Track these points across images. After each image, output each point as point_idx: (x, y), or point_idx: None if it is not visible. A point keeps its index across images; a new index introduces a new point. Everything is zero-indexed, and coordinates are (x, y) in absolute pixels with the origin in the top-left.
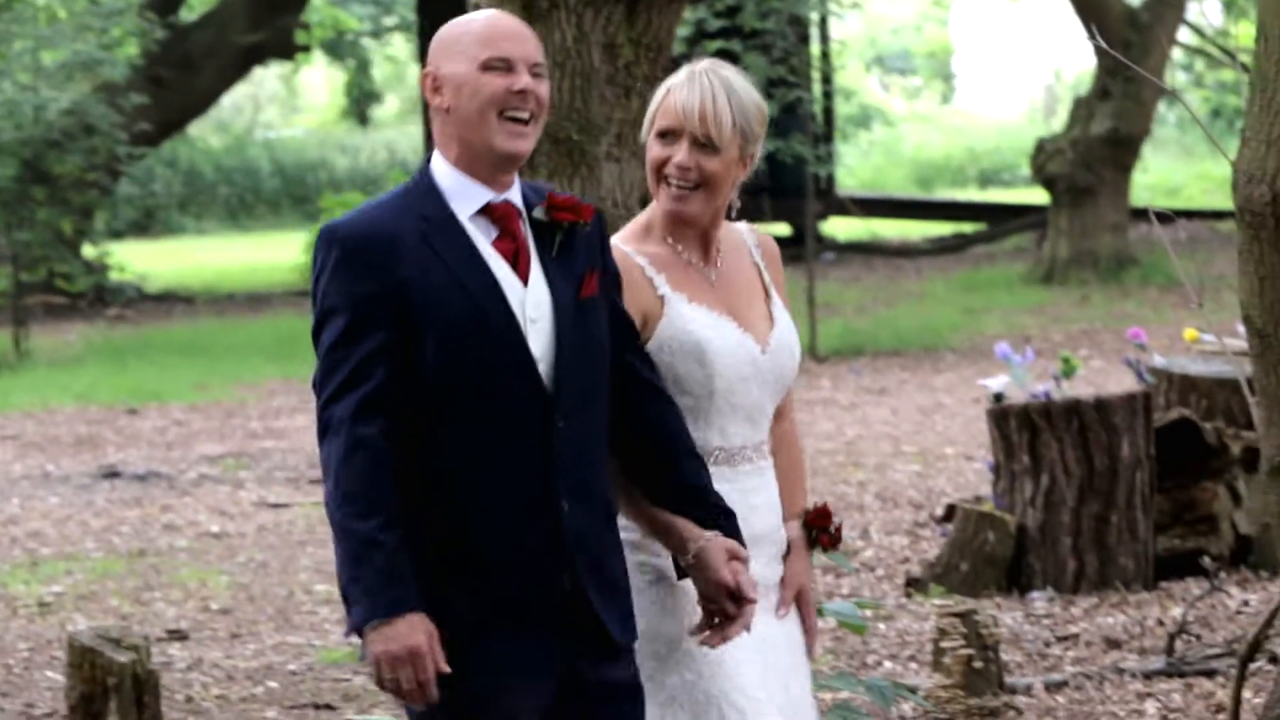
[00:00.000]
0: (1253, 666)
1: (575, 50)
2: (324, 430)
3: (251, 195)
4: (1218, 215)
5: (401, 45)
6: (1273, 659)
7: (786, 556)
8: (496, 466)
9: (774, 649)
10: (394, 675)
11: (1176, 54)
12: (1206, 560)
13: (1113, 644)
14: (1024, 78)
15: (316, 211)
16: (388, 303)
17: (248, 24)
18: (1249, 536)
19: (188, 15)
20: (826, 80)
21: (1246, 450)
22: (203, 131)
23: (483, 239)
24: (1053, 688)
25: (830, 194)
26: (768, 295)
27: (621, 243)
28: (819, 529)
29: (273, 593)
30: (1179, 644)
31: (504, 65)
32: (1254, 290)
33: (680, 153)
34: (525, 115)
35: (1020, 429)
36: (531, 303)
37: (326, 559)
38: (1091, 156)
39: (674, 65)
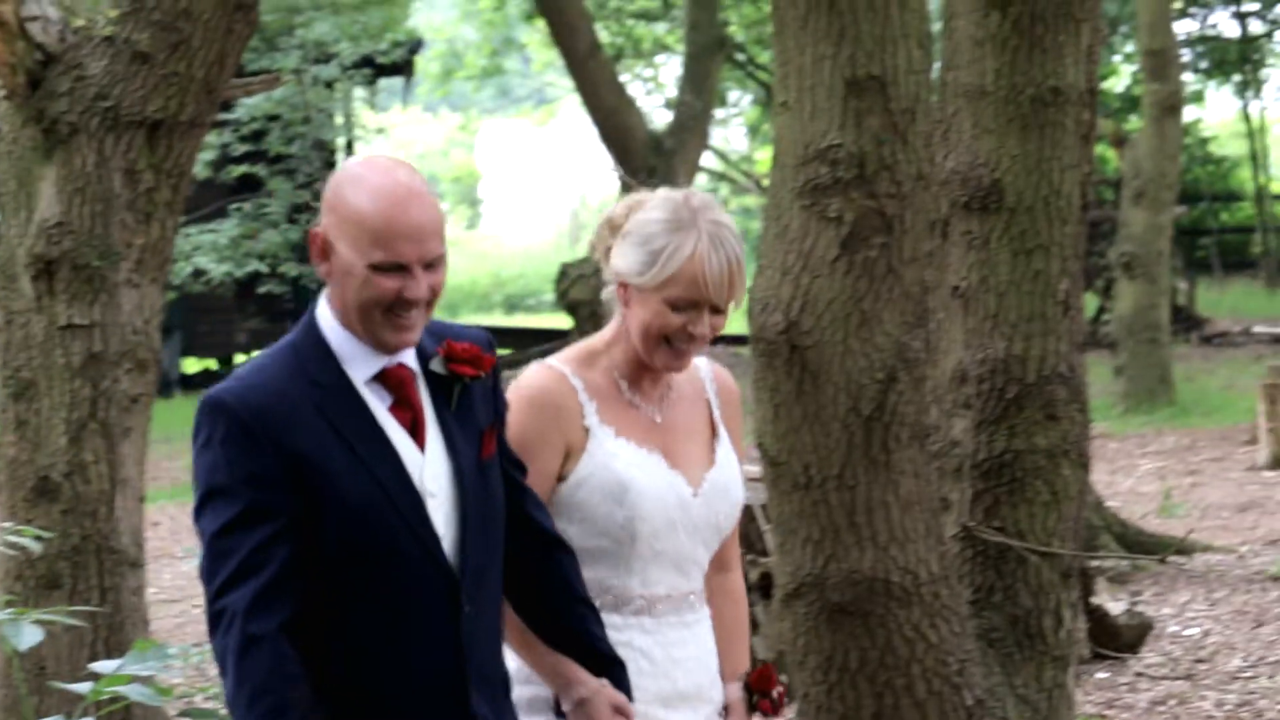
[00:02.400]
0: None
1: (96, 175)
2: (215, 625)
3: None
4: (741, 340)
5: None
6: None
7: (725, 718)
8: (404, 656)
9: None
10: None
11: (701, 179)
12: None
13: None
14: (550, 203)
15: None
16: (283, 482)
17: None
18: (766, 661)
19: None
20: None
21: (763, 577)
22: None
23: (379, 405)
24: None
25: None
26: (714, 434)
27: (561, 363)
28: (759, 693)
29: None
30: None
31: (396, 269)
32: (768, 417)
33: (700, 324)
34: (412, 317)
35: None
36: (430, 474)
37: None
38: None
39: (203, 191)
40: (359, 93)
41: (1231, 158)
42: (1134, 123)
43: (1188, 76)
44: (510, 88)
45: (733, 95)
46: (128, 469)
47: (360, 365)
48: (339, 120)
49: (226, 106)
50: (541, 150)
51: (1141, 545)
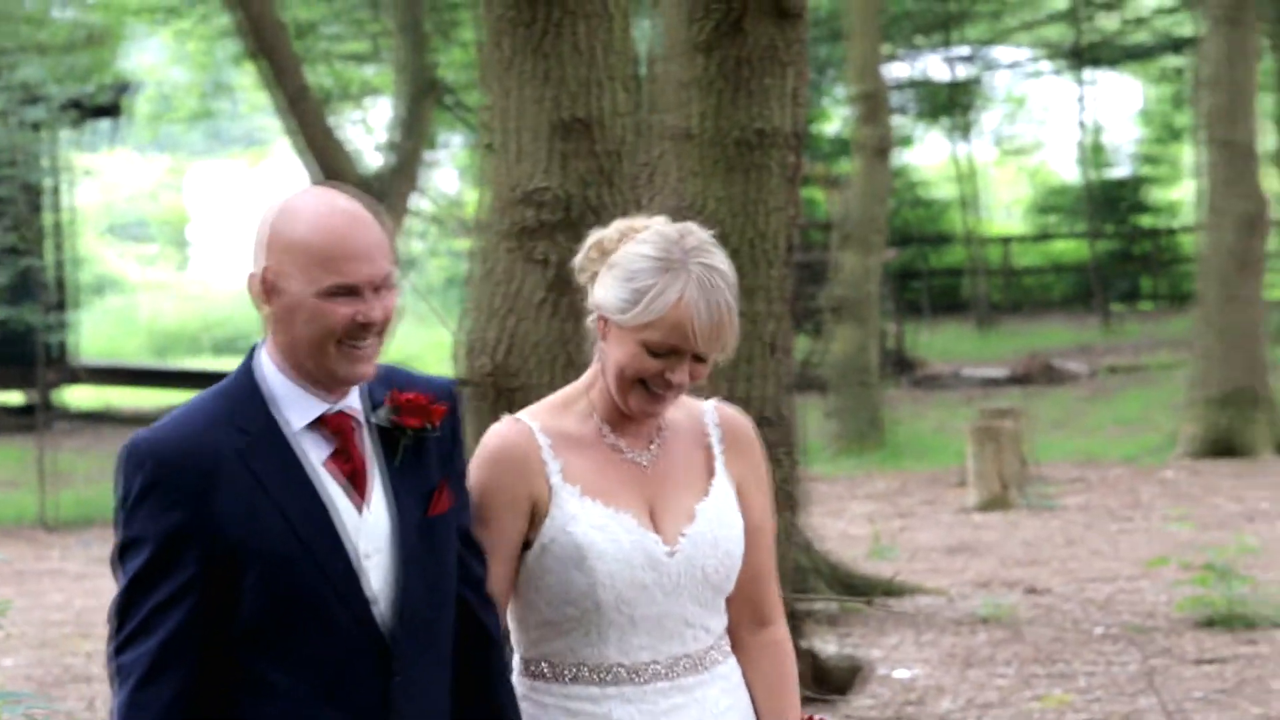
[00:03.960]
0: None
1: None
2: (112, 681)
3: None
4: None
5: None
6: None
7: None
8: None
9: None
10: None
11: (414, 222)
12: None
13: None
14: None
15: None
16: (197, 537)
17: None
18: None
19: None
20: (60, 248)
21: None
22: None
23: (314, 457)
24: None
25: (64, 363)
26: (710, 481)
27: (530, 417)
28: None
29: None
30: None
31: (347, 292)
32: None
33: (679, 372)
34: (368, 342)
35: None
36: (367, 534)
37: None
38: None
39: None
40: (67, 134)
41: (942, 200)
42: (845, 166)
43: (898, 120)
44: (221, 130)
45: (443, 138)
46: None
47: (297, 411)
48: (45, 163)
49: None
50: (253, 192)
51: (851, 587)
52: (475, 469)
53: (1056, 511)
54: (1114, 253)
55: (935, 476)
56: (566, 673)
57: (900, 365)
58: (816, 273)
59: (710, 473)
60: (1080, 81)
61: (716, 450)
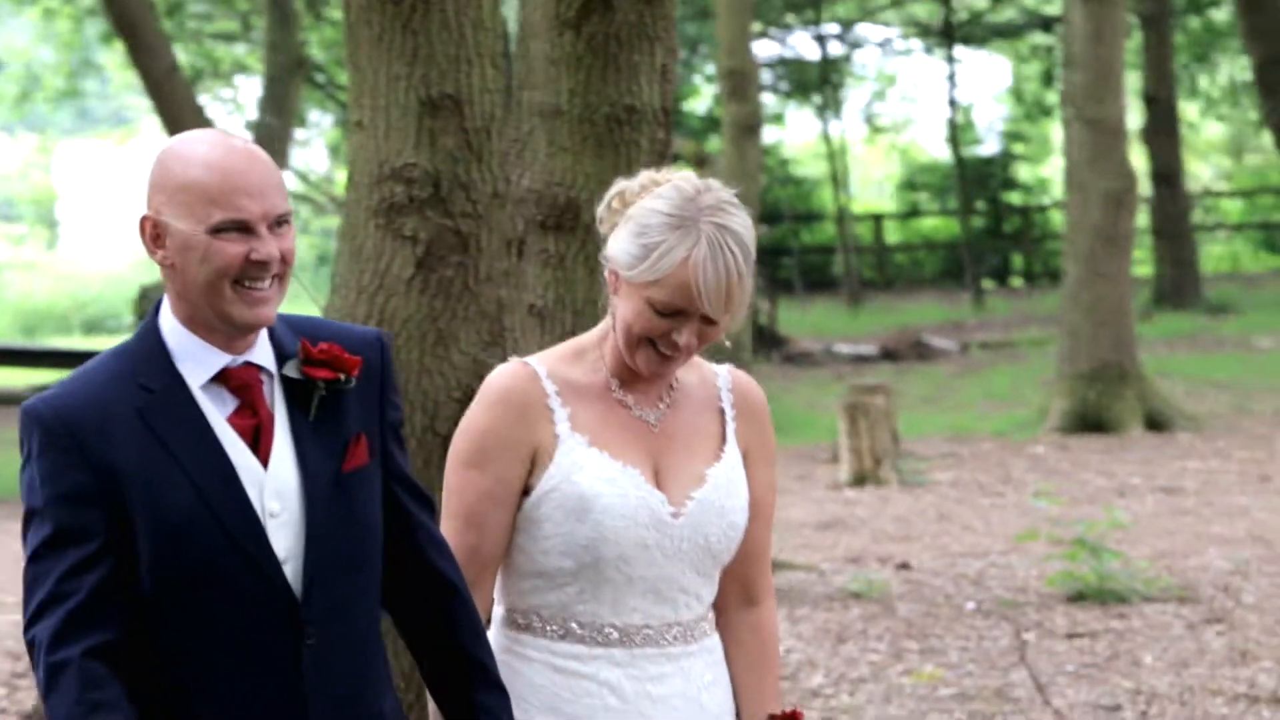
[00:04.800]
0: None
1: None
2: (30, 657)
3: None
4: None
5: None
6: None
7: None
8: (229, 697)
9: None
10: None
11: None
12: None
13: None
14: (129, 225)
15: None
16: (97, 499)
17: None
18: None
19: None
20: None
21: None
22: None
23: (216, 413)
24: None
25: None
26: (721, 448)
27: (538, 362)
28: None
29: None
30: None
31: (238, 228)
32: None
33: (684, 335)
34: (266, 283)
35: None
36: (272, 490)
37: None
38: None
39: None
40: None
41: (812, 178)
42: (715, 143)
43: (768, 98)
44: (89, 109)
45: (313, 116)
46: None
47: (198, 366)
48: None
49: None
50: (121, 171)
51: None
52: (474, 410)
53: (927, 487)
54: (984, 230)
55: (806, 452)
56: (556, 629)
57: (771, 342)
58: None
59: (722, 438)
60: (949, 59)
61: (728, 415)
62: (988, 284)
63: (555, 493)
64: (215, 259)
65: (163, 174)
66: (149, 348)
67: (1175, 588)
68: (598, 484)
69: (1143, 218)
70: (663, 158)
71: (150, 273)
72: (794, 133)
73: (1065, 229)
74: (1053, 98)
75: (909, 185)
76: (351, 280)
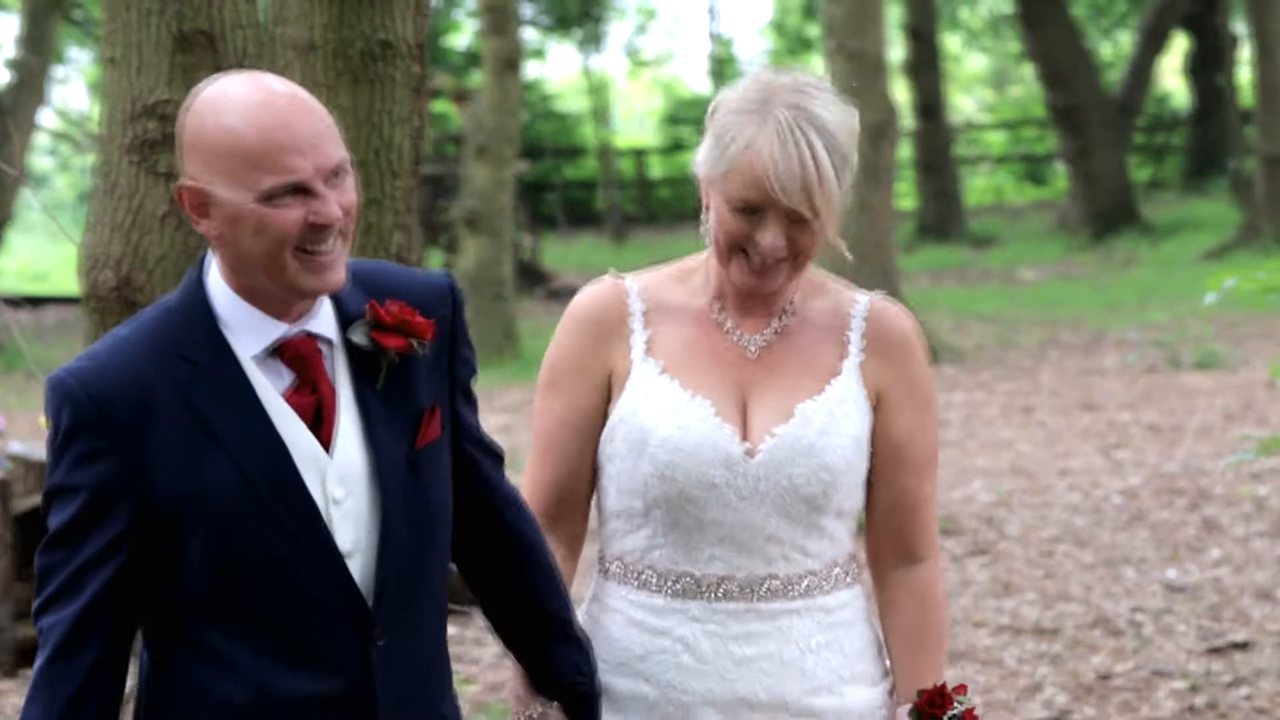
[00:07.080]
0: None
1: None
2: (39, 644)
3: None
4: (74, 301)
5: None
6: None
7: None
8: (292, 708)
9: None
10: None
11: (41, 138)
12: None
13: None
14: None
15: None
16: (129, 489)
17: None
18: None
19: None
20: None
21: None
22: None
23: (270, 389)
24: None
25: None
26: (830, 381)
27: (634, 278)
28: (928, 718)
29: None
30: None
31: (292, 190)
32: None
33: (768, 235)
34: (329, 244)
35: None
36: (336, 475)
37: None
38: None
39: None
40: None
41: (575, 113)
42: (476, 79)
43: (529, 32)
44: None
45: (72, 53)
46: None
47: (251, 337)
48: None
49: None
50: None
51: None
52: (557, 331)
53: None
54: None
55: None
56: (634, 577)
57: (534, 277)
58: (449, 186)
59: (834, 371)
60: None
61: (853, 348)
62: None
63: (622, 424)
64: (271, 229)
65: (196, 133)
66: (193, 313)
67: (939, 520)
68: (658, 415)
69: (905, 151)
70: (418, 93)
71: None
72: (556, 68)
73: None
74: (814, 31)
75: (672, 120)
76: (106, 217)
